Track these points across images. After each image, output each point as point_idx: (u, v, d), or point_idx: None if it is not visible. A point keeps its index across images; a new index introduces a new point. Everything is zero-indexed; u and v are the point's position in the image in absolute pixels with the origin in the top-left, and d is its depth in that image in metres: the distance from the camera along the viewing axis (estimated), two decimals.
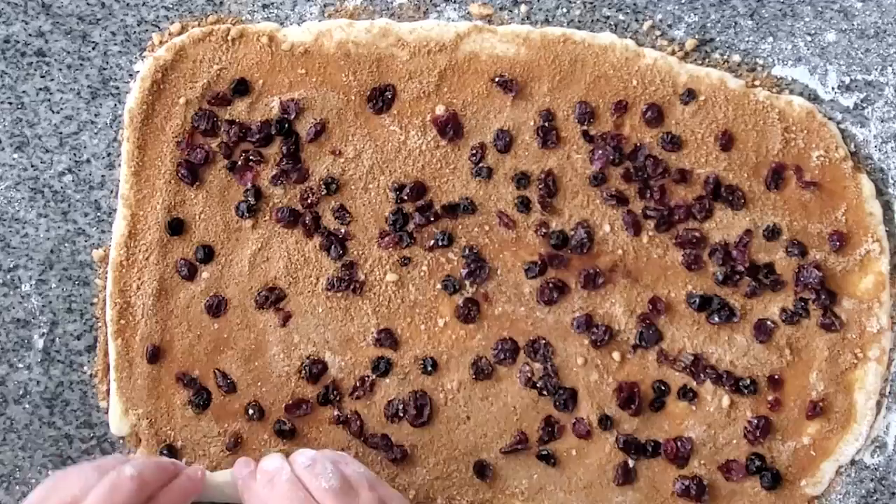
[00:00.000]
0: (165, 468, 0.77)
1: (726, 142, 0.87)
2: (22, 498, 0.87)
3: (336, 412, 0.86)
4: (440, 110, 0.87)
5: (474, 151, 0.87)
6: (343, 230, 0.87)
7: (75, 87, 0.88)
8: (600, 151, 0.87)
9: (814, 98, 0.89)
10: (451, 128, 0.87)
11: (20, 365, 0.87)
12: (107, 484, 0.71)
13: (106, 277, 0.86)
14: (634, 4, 0.89)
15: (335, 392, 0.86)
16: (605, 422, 0.86)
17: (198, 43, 0.87)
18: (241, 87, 0.87)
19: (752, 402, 0.86)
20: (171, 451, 0.86)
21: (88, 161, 0.88)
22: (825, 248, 0.87)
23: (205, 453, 0.86)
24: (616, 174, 0.87)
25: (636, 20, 0.89)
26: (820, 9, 0.90)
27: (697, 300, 0.86)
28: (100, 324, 0.88)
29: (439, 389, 0.86)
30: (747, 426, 0.86)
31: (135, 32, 0.88)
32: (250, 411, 0.86)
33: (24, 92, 0.88)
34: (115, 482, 0.71)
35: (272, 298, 0.86)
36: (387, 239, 0.87)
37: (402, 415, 0.86)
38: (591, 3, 0.89)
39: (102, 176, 0.88)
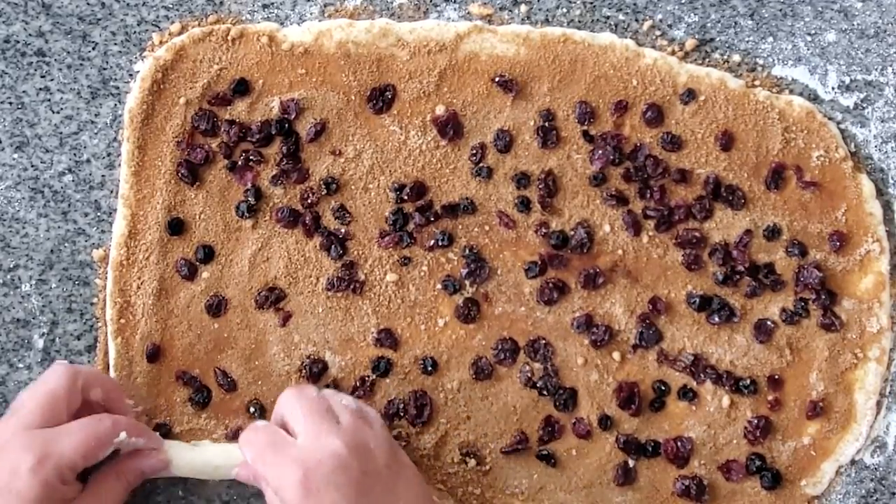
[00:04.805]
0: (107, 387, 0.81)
1: (726, 142, 0.87)
2: None
3: None
4: (440, 110, 0.87)
5: (474, 151, 0.87)
6: (343, 230, 0.87)
7: (75, 87, 0.88)
8: (600, 151, 0.87)
9: (814, 98, 0.89)
10: (451, 128, 0.87)
11: (20, 365, 0.87)
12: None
13: (106, 277, 0.86)
14: (634, 4, 0.89)
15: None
16: (605, 422, 0.86)
17: (198, 43, 0.87)
18: (241, 87, 0.87)
19: (752, 402, 0.86)
20: (171, 437, 0.85)
21: (88, 161, 0.88)
22: (825, 248, 0.87)
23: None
24: (616, 174, 0.87)
25: (636, 20, 0.89)
26: (820, 9, 0.90)
27: (697, 300, 0.86)
28: (100, 324, 0.87)
29: (439, 389, 0.86)
30: (747, 426, 0.86)
31: (135, 32, 0.88)
32: (251, 409, 0.86)
33: (24, 92, 0.88)
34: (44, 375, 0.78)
35: (272, 298, 0.86)
36: (387, 239, 0.87)
37: (402, 415, 0.86)
38: (591, 3, 0.89)
39: (102, 176, 0.88)
